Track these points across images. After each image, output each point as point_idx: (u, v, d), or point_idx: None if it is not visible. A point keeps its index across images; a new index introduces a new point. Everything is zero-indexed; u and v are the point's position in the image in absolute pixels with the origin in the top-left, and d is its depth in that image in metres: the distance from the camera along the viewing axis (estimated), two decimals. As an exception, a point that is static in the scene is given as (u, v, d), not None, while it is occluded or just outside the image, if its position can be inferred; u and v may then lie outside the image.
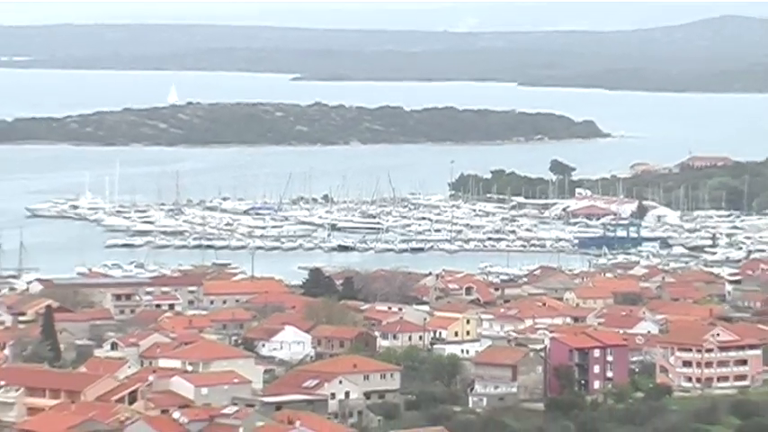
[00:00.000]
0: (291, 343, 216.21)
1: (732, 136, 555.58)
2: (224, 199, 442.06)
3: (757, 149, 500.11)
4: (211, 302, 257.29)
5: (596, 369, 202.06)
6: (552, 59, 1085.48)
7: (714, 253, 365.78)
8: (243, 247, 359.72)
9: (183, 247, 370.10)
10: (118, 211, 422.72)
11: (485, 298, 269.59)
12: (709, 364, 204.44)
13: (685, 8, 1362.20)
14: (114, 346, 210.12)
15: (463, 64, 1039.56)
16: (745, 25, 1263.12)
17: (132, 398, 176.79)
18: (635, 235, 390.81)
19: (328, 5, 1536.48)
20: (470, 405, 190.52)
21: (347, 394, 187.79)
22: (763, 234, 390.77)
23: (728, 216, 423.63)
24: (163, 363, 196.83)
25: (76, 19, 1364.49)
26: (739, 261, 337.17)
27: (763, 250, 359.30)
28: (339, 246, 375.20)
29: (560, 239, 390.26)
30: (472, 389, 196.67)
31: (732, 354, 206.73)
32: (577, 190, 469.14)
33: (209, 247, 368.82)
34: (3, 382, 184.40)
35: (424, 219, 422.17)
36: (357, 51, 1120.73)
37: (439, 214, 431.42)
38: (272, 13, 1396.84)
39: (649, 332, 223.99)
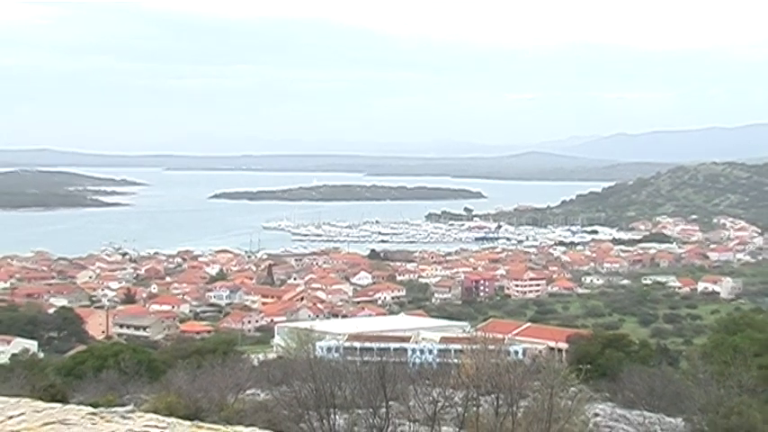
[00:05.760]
0: (363, 278, 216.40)
1: (533, 197, 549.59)
2: (337, 221, 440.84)
3: (542, 202, 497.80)
4: (333, 262, 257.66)
5: (482, 288, 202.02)
6: (464, 168, 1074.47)
7: (527, 242, 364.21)
8: (344, 241, 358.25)
9: (321, 241, 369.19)
10: (296, 227, 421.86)
11: (439, 260, 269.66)
12: (525, 286, 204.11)
13: (514, 147, 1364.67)
14: (294, 279, 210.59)
15: (429, 169, 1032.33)
16: (540, 157, 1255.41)
17: (301, 298, 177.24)
18: (496, 236, 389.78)
19: (377, 147, 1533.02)
20: (433, 301, 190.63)
21: (385, 297, 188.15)
22: (548, 236, 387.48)
23: (531, 229, 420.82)
24: (314, 285, 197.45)
25: (263, 152, 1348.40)
26: (537, 246, 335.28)
27: (545, 242, 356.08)
28: (381, 240, 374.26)
29: (468, 237, 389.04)
30: (434, 295, 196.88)
31: (534, 282, 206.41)
32: (474, 218, 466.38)
33: (331, 241, 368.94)
34: (251, 293, 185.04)
35: (414, 230, 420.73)
36: (386, 164, 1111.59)
37: (420, 228, 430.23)
38: (356, 148, 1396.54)
39: (502, 273, 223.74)
